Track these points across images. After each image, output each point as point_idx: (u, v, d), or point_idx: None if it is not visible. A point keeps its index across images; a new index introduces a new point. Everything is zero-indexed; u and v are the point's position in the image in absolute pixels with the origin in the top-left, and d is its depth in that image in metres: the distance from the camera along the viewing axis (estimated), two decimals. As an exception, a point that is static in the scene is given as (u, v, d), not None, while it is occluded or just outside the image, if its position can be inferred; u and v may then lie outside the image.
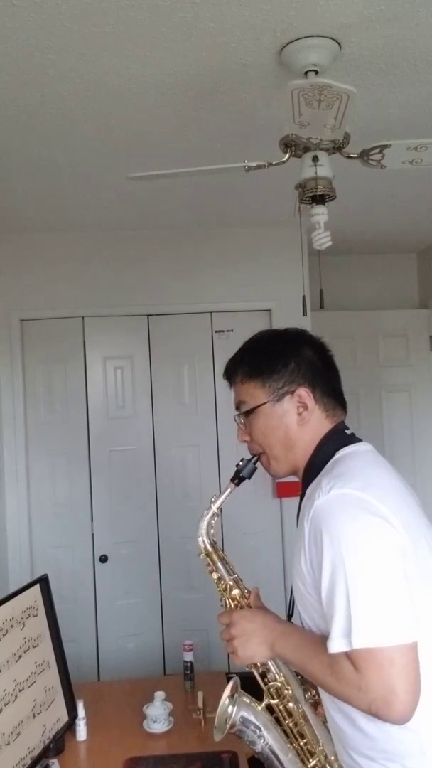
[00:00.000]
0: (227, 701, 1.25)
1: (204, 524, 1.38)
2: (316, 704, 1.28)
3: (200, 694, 1.95)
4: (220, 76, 1.86)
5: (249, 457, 1.34)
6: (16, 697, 1.65)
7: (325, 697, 1.19)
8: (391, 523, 1.07)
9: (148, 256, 3.51)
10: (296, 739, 1.27)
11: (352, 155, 1.83)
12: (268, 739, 1.24)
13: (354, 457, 1.23)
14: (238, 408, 1.33)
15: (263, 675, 1.28)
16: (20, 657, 1.70)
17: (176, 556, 3.47)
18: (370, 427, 3.99)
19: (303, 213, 1.95)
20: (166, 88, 1.92)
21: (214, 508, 1.37)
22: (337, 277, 4.04)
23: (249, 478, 1.35)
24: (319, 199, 1.80)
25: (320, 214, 1.81)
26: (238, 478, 1.34)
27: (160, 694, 1.98)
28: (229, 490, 1.36)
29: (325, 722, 1.25)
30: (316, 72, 1.69)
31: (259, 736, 1.24)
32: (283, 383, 1.27)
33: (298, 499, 1.28)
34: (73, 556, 3.44)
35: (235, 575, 1.38)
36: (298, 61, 1.71)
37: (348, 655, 1.03)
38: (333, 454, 1.23)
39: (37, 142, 2.27)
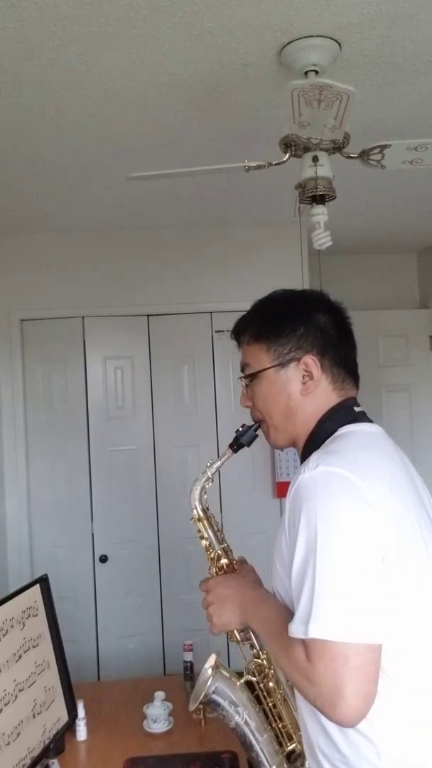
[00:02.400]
0: (209, 672, 1.23)
1: (197, 489, 1.34)
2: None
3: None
4: (220, 76, 1.86)
5: (250, 423, 1.28)
6: (16, 697, 1.64)
7: None
8: (374, 508, 1.00)
9: (148, 256, 3.51)
10: (275, 721, 1.23)
11: (352, 155, 1.83)
12: (244, 714, 1.22)
13: (355, 436, 1.14)
14: (242, 370, 1.27)
15: (251, 646, 1.25)
16: (20, 657, 1.70)
17: (176, 556, 3.47)
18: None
19: (303, 213, 1.95)
20: (166, 88, 1.92)
21: (209, 472, 1.33)
22: (337, 277, 4.03)
23: (248, 445, 1.29)
24: (319, 199, 1.80)
25: (320, 214, 1.81)
26: (236, 445, 1.30)
27: (160, 694, 1.98)
28: (226, 455, 1.32)
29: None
30: (316, 72, 1.69)
31: (235, 711, 1.22)
32: (289, 349, 1.19)
33: None
34: (73, 556, 3.44)
35: (225, 545, 1.34)
36: (298, 61, 1.71)
37: (303, 643, 0.98)
38: (335, 431, 1.15)
39: (37, 142, 2.27)
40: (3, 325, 3.41)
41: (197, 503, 1.34)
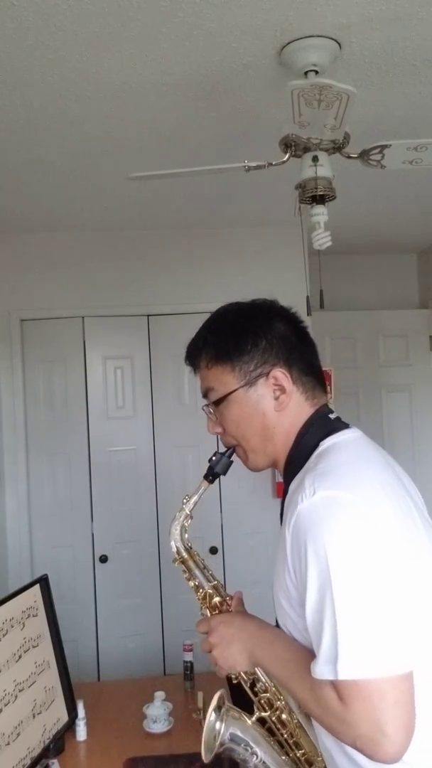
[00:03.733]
0: (213, 716, 1.11)
1: (176, 528, 1.26)
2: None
3: (200, 694, 1.95)
4: (220, 76, 1.86)
5: (223, 450, 1.20)
6: (16, 697, 1.64)
7: None
8: (380, 528, 0.95)
9: (148, 256, 3.51)
10: (292, 749, 1.16)
11: (352, 155, 1.83)
12: (260, 754, 1.13)
13: (340, 449, 1.07)
14: (205, 396, 1.18)
15: (252, 685, 1.16)
16: (20, 657, 1.70)
17: (176, 556, 3.46)
18: (370, 427, 3.96)
19: (303, 213, 1.95)
20: (166, 88, 1.92)
21: (187, 509, 1.25)
22: (337, 277, 4.04)
23: (224, 473, 1.22)
24: (319, 199, 1.80)
25: (320, 214, 1.81)
26: (212, 475, 1.22)
27: (160, 694, 1.98)
28: (202, 488, 1.24)
29: None
30: (316, 72, 1.69)
31: (251, 753, 1.12)
32: (254, 365, 1.11)
33: None
34: (73, 556, 3.44)
35: (215, 582, 1.26)
36: (298, 61, 1.71)
37: (333, 684, 0.91)
38: (317, 445, 1.08)
39: (37, 142, 2.27)
40: (3, 325, 3.41)
41: (179, 543, 1.26)
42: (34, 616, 1.80)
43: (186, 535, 1.27)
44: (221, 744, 1.13)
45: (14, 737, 1.60)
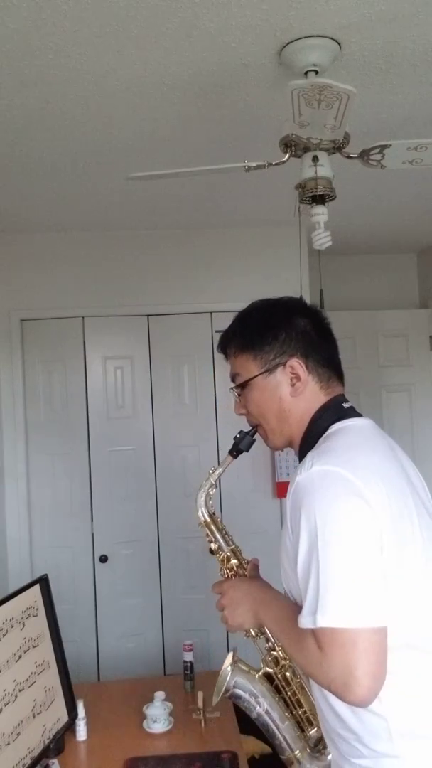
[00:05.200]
0: (229, 668, 1.31)
1: (202, 495, 1.41)
2: None
3: (200, 694, 1.95)
4: (220, 76, 1.86)
5: (247, 429, 1.34)
6: (16, 697, 1.65)
7: None
8: (370, 504, 1.05)
9: (148, 256, 3.51)
10: (295, 708, 1.31)
11: (352, 155, 1.83)
12: (265, 704, 1.29)
13: (346, 432, 1.20)
14: (233, 380, 1.33)
15: (265, 642, 1.33)
16: (20, 657, 1.70)
17: (176, 556, 3.47)
18: (370, 427, 3.98)
19: (303, 213, 1.95)
20: (166, 88, 1.92)
21: (212, 479, 1.40)
22: (337, 277, 4.04)
23: (247, 450, 1.36)
24: (319, 199, 1.80)
25: (320, 214, 1.81)
26: (236, 451, 1.36)
27: (160, 694, 1.98)
28: (227, 462, 1.38)
29: None
30: (316, 72, 1.69)
31: (255, 703, 1.29)
32: (274, 355, 1.26)
33: None
34: (73, 556, 3.44)
35: (233, 546, 1.41)
36: (298, 61, 1.71)
37: (313, 633, 1.04)
38: (326, 428, 1.22)
39: (38, 142, 2.27)
40: (3, 325, 3.42)
41: (203, 509, 1.41)
42: (34, 616, 1.80)
43: (210, 502, 1.43)
44: (227, 690, 1.30)
45: (14, 737, 1.60)
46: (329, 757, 1.27)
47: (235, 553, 1.40)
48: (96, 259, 3.48)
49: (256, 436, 1.35)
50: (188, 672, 2.19)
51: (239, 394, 1.32)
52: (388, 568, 1.05)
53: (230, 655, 1.33)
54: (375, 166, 1.87)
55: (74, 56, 1.72)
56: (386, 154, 1.81)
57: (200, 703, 1.94)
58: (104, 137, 2.25)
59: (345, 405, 1.27)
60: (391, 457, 1.20)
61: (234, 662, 1.33)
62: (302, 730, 1.31)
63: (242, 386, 1.30)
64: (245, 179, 2.17)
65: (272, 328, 1.27)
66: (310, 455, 1.13)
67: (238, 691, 1.30)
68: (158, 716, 1.92)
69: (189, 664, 2.20)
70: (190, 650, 2.22)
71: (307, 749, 1.31)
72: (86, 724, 1.90)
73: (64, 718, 1.84)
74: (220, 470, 1.39)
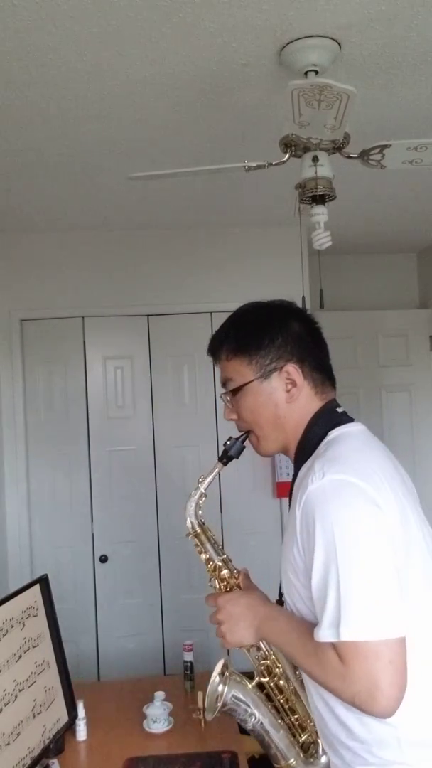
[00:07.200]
0: (218, 680, 1.25)
1: (192, 505, 1.36)
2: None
3: (200, 694, 1.95)
4: (220, 76, 1.86)
5: (237, 435, 1.30)
6: (16, 697, 1.64)
7: (308, 683, 1.18)
8: (384, 511, 1.05)
9: (148, 256, 3.51)
10: (287, 715, 1.28)
11: (352, 155, 1.83)
12: (258, 716, 1.25)
13: (347, 439, 1.18)
14: (224, 385, 1.29)
15: (257, 650, 1.28)
16: (20, 657, 1.70)
17: (176, 556, 3.47)
18: (370, 427, 3.92)
19: (303, 213, 1.95)
20: (166, 88, 1.92)
21: (202, 488, 1.35)
22: (337, 277, 4.04)
23: (237, 457, 1.31)
24: (319, 199, 1.80)
25: (320, 214, 1.81)
26: (225, 458, 1.31)
27: (160, 694, 1.98)
28: (216, 470, 1.33)
29: None
30: (316, 72, 1.69)
31: (250, 714, 1.25)
32: (270, 359, 1.22)
33: None
34: (73, 556, 3.44)
35: (224, 555, 1.37)
36: (298, 61, 1.71)
37: (334, 646, 1.02)
38: (325, 435, 1.19)
39: (38, 142, 2.27)
40: (3, 325, 3.41)
41: (193, 519, 1.36)
42: (34, 616, 1.80)
43: (200, 512, 1.37)
44: (224, 704, 1.25)
45: (14, 737, 1.60)
46: (322, 759, 1.26)
47: (226, 563, 1.36)
48: (96, 259, 3.48)
49: (247, 442, 1.30)
50: (188, 672, 2.19)
51: (230, 400, 1.28)
52: (401, 570, 1.04)
53: (219, 665, 1.27)
54: (375, 166, 1.87)
55: (74, 56, 1.72)
56: (386, 154, 1.81)
57: (200, 703, 1.93)
58: (104, 137, 2.25)
59: (339, 410, 1.25)
60: (387, 460, 1.19)
61: (225, 673, 1.27)
62: (294, 736, 1.29)
63: (235, 392, 1.26)
64: (245, 179, 2.18)
65: (268, 332, 1.23)
66: (318, 464, 1.10)
67: (235, 705, 1.26)
68: (158, 716, 1.91)
69: (189, 664, 2.20)
70: (190, 650, 2.22)
71: (301, 755, 1.29)
72: (86, 724, 1.90)
73: (64, 718, 1.84)
74: (210, 478, 1.34)
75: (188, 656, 2.21)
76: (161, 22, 1.59)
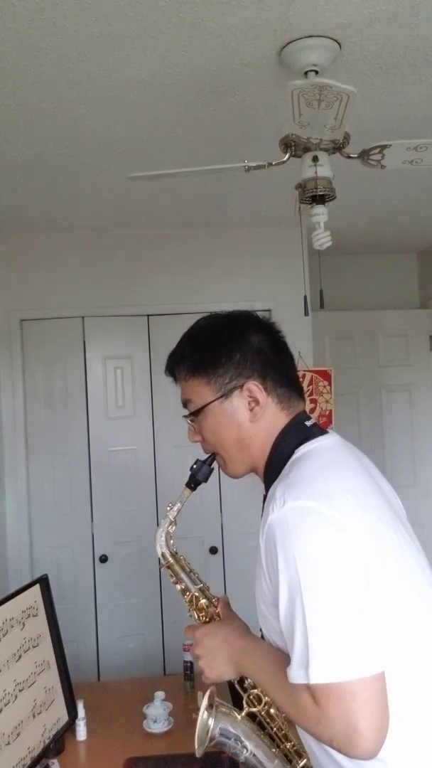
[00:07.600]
0: (206, 714, 1.17)
1: (162, 534, 1.31)
2: None
3: (200, 694, 1.94)
4: (220, 76, 1.86)
5: (204, 457, 1.24)
6: (16, 697, 1.64)
7: None
8: (350, 536, 0.97)
9: (148, 256, 3.51)
10: (282, 742, 1.20)
11: (352, 155, 1.83)
12: (251, 748, 1.18)
13: (313, 456, 1.10)
14: (185, 406, 1.23)
15: (241, 682, 1.21)
16: (20, 657, 1.70)
17: (176, 556, 3.46)
18: (370, 427, 4.00)
19: (303, 213, 1.95)
20: (166, 88, 1.92)
21: (171, 516, 1.29)
22: (337, 277, 4.04)
23: (205, 481, 1.25)
24: (319, 199, 1.80)
25: (320, 214, 1.81)
26: (194, 483, 1.26)
27: (160, 694, 1.98)
28: (185, 496, 1.28)
29: None
30: (316, 72, 1.69)
31: (242, 747, 1.17)
32: (230, 378, 1.15)
33: None
34: (73, 556, 3.44)
35: (201, 584, 1.31)
36: (298, 61, 1.71)
37: (308, 687, 0.94)
38: (292, 452, 1.12)
39: (37, 142, 2.27)
40: (3, 325, 3.41)
41: (164, 549, 1.31)
42: (34, 616, 1.80)
43: (171, 541, 1.32)
44: (212, 739, 1.17)
45: (14, 737, 1.60)
46: None
47: (204, 591, 1.29)
48: (96, 259, 3.48)
49: (214, 464, 1.24)
50: (188, 672, 2.19)
51: (192, 422, 1.22)
52: (376, 599, 0.96)
53: (205, 697, 1.17)
54: (375, 166, 1.87)
55: (74, 56, 1.72)
56: (386, 154, 1.81)
57: (200, 703, 1.93)
58: (104, 137, 2.25)
59: (308, 423, 1.17)
60: (364, 475, 1.11)
61: (212, 705, 1.18)
62: (290, 762, 1.20)
63: (196, 413, 1.19)
64: (245, 179, 2.17)
65: (224, 348, 1.16)
66: (280, 490, 1.02)
67: (224, 739, 1.18)
68: (158, 716, 1.91)
69: (189, 664, 2.20)
70: (190, 650, 2.22)
71: None
72: (86, 724, 1.90)
73: (64, 718, 1.84)
74: (178, 505, 1.28)
75: (188, 656, 2.21)
76: (161, 22, 1.59)
